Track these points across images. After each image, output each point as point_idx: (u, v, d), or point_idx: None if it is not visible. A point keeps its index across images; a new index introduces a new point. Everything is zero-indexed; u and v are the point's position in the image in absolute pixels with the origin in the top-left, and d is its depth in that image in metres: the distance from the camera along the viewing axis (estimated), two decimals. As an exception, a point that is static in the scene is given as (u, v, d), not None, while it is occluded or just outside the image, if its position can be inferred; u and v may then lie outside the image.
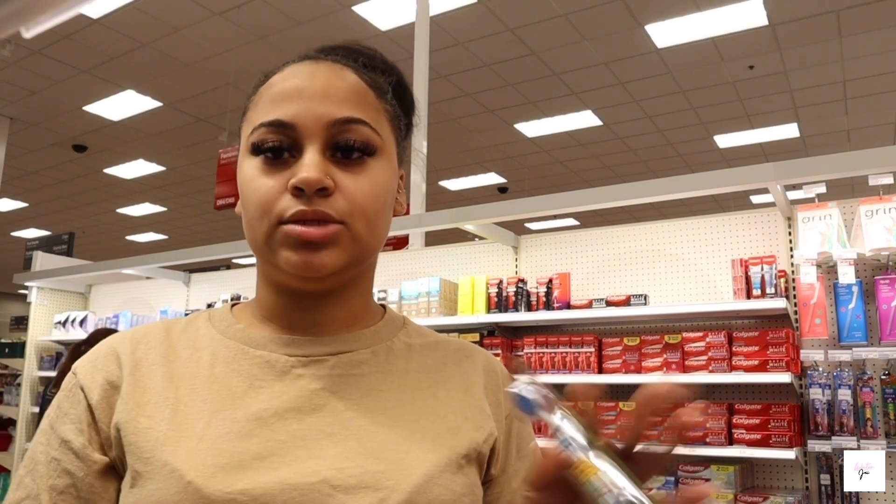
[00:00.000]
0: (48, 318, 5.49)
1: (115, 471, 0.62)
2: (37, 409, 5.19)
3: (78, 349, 3.35)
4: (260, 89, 0.68)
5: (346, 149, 0.64)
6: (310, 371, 0.65)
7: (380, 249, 0.70)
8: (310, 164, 0.61)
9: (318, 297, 0.67)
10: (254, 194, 0.63)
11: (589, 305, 3.18)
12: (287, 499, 0.56)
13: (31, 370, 5.39)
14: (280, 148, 0.63)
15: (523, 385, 0.50)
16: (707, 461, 2.80)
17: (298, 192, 0.61)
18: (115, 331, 3.46)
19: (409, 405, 0.66)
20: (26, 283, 5.50)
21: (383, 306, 0.77)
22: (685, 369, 2.87)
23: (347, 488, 0.58)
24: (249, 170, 0.64)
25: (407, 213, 4.45)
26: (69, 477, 0.61)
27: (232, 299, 4.50)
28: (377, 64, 0.72)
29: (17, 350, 5.53)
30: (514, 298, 3.37)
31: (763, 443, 2.65)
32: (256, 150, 0.64)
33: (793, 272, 2.90)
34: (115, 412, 0.62)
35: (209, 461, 0.58)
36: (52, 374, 5.20)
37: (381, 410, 0.64)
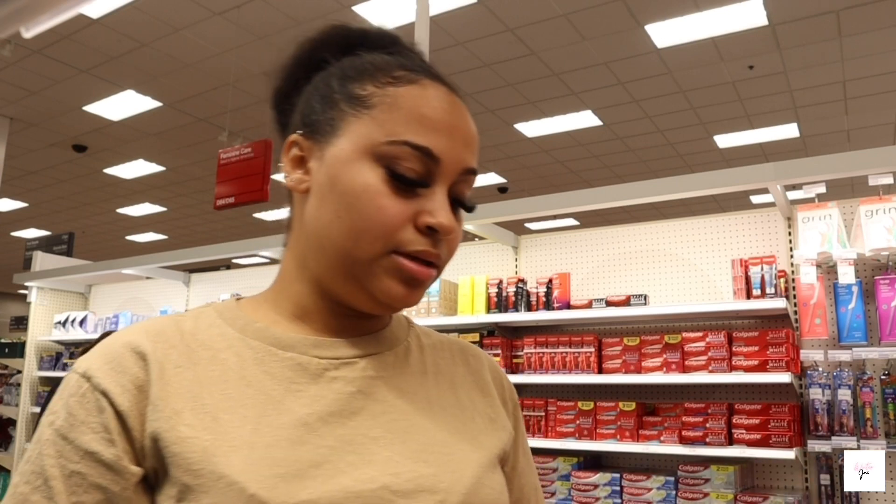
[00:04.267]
0: (48, 318, 5.49)
1: (146, 482, 0.58)
2: (37, 410, 5.19)
3: None
4: (396, 90, 0.63)
5: (460, 202, 0.65)
6: (342, 373, 0.63)
7: None
8: (446, 210, 0.62)
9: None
10: (377, 212, 0.60)
11: (589, 305, 3.18)
12: None
13: (30, 370, 5.39)
14: (418, 179, 0.62)
15: None
16: (707, 461, 2.80)
17: (430, 231, 0.62)
18: None
19: (439, 406, 0.67)
20: (26, 283, 5.50)
21: None
22: (685, 369, 2.87)
23: (406, 493, 0.58)
24: (372, 179, 0.61)
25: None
26: (101, 492, 0.55)
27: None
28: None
29: (17, 350, 5.53)
30: (513, 298, 3.37)
31: (763, 443, 2.65)
32: (389, 163, 0.61)
33: (793, 272, 2.90)
34: (147, 420, 0.57)
35: (266, 471, 0.55)
36: (52, 374, 5.20)
37: (416, 412, 0.65)
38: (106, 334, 3.41)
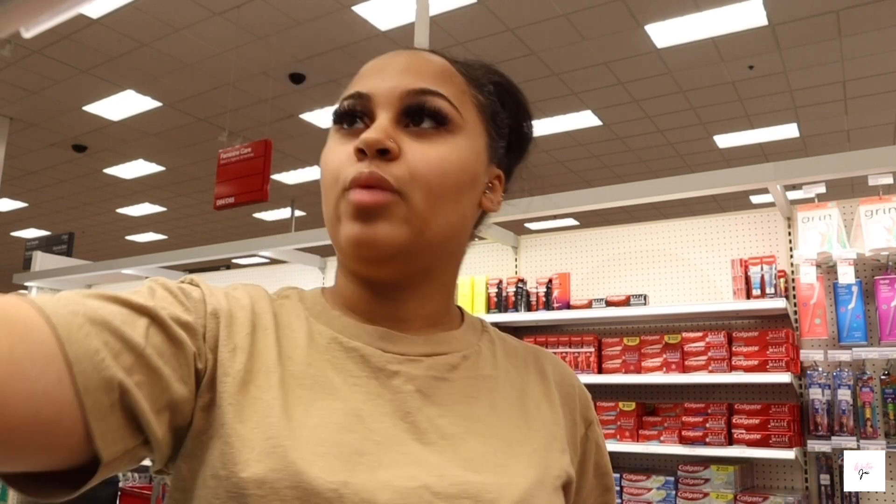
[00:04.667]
0: (48, 318, 5.48)
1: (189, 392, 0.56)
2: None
3: None
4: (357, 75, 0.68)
5: (416, 113, 0.62)
6: (404, 370, 0.62)
7: (456, 239, 0.68)
8: (375, 127, 0.60)
9: (393, 289, 0.65)
10: (327, 164, 0.63)
11: (589, 305, 3.18)
12: (388, 499, 0.54)
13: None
14: (353, 115, 0.63)
15: None
16: (707, 461, 2.80)
17: (361, 154, 0.60)
18: None
19: (501, 415, 0.64)
20: (26, 283, 5.49)
21: (460, 308, 0.75)
22: (685, 369, 2.87)
23: (448, 497, 0.55)
24: (328, 144, 0.65)
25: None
26: (181, 331, 0.56)
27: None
28: (477, 64, 0.72)
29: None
30: (513, 298, 3.37)
31: (763, 443, 2.65)
32: (335, 121, 0.65)
33: (792, 272, 2.90)
34: (220, 363, 0.57)
35: (309, 448, 0.55)
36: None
37: (475, 419, 0.62)
38: None
